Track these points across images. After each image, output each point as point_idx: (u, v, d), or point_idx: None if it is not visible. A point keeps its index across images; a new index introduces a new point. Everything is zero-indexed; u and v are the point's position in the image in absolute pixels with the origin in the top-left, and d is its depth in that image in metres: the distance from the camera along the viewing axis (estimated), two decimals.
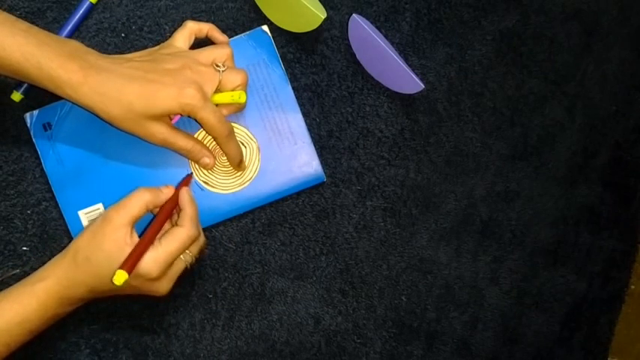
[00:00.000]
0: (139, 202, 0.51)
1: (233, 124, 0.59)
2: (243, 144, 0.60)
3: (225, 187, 0.60)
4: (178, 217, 0.54)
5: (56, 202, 0.58)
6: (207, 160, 0.57)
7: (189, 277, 0.62)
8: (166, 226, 0.54)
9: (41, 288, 0.49)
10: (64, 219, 0.58)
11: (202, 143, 0.57)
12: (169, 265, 0.50)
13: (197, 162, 0.57)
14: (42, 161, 0.58)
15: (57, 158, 0.58)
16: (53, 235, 0.59)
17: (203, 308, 0.62)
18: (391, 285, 0.66)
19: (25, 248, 0.59)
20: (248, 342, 0.63)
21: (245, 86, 0.56)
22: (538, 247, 0.70)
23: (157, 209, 0.54)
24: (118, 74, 0.49)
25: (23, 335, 0.49)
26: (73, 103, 0.49)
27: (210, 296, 0.62)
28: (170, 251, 0.50)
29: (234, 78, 0.54)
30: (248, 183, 0.60)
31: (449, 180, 0.67)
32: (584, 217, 0.71)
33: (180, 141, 0.54)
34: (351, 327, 0.65)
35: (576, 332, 0.73)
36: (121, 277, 0.46)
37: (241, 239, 0.62)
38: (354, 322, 0.65)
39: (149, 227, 0.51)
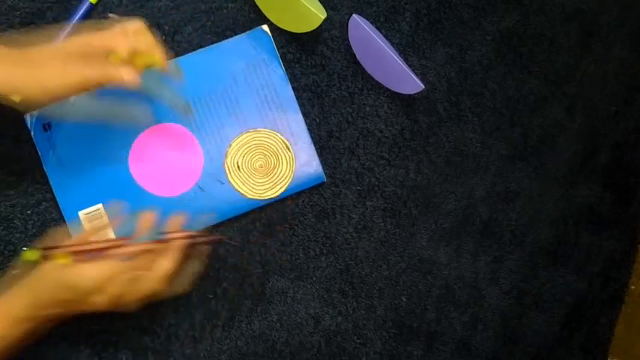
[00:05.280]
0: None
1: (273, 132, 0.60)
2: (278, 153, 0.60)
3: (260, 192, 0.60)
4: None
5: (56, 202, 0.58)
6: (124, 74, 0.51)
7: (189, 278, 0.62)
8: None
9: (7, 305, 0.50)
10: (64, 219, 0.58)
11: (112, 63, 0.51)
12: (106, 280, 0.49)
13: (120, 81, 0.51)
14: (42, 162, 0.58)
15: (57, 159, 0.58)
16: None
17: (203, 308, 0.62)
18: (391, 285, 0.66)
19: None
20: (248, 342, 0.63)
21: (144, 27, 0.52)
22: (538, 247, 0.70)
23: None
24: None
25: None
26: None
27: (211, 296, 0.62)
28: (110, 267, 0.50)
29: (133, 25, 0.51)
30: (284, 189, 0.61)
31: (449, 180, 0.67)
32: (584, 217, 0.71)
33: (94, 69, 0.49)
34: (351, 327, 0.65)
35: (576, 332, 0.73)
36: (29, 255, 0.48)
37: (241, 239, 0.62)
38: (354, 322, 0.65)
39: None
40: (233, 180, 0.60)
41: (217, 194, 0.60)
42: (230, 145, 0.60)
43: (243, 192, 0.60)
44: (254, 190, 0.60)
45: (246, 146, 0.60)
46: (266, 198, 0.60)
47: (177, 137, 0.59)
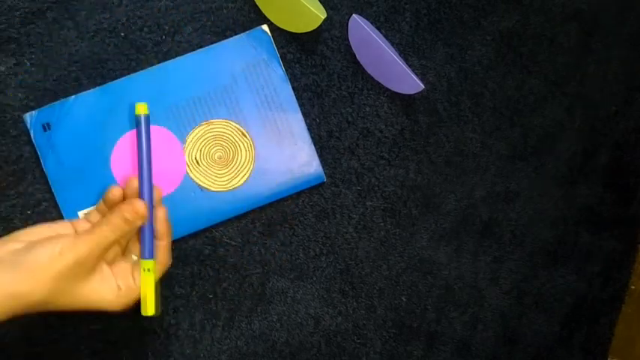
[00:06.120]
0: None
1: (226, 121, 0.60)
2: (235, 141, 0.60)
3: (223, 184, 0.60)
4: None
5: (56, 202, 0.58)
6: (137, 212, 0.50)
7: (190, 277, 0.62)
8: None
9: None
10: (63, 219, 0.58)
11: (111, 212, 0.50)
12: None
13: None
14: (42, 162, 0.58)
15: (56, 158, 0.58)
16: None
17: (203, 308, 0.62)
18: (391, 285, 0.66)
19: None
20: (248, 342, 0.63)
21: None
22: (538, 247, 0.70)
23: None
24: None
25: None
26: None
27: (211, 296, 0.62)
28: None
29: None
30: (247, 177, 0.60)
31: (449, 180, 0.67)
32: (584, 217, 0.71)
33: (109, 234, 0.48)
34: (351, 327, 0.65)
35: (576, 332, 0.73)
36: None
37: (241, 239, 0.62)
38: (354, 322, 0.65)
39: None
40: (194, 175, 0.59)
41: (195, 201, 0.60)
42: (185, 141, 0.60)
43: (205, 185, 0.60)
44: (216, 183, 0.60)
45: (202, 139, 0.60)
46: (231, 188, 0.60)
47: (163, 140, 0.59)
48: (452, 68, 0.66)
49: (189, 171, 0.59)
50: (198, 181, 0.59)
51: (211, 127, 0.60)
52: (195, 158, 0.59)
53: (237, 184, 0.60)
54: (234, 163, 0.60)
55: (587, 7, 0.69)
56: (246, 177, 0.60)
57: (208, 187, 0.59)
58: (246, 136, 0.60)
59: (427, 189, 0.66)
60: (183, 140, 0.59)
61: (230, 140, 0.60)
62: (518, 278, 0.70)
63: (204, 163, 0.59)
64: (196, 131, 0.59)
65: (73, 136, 0.58)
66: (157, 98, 0.59)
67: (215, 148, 0.60)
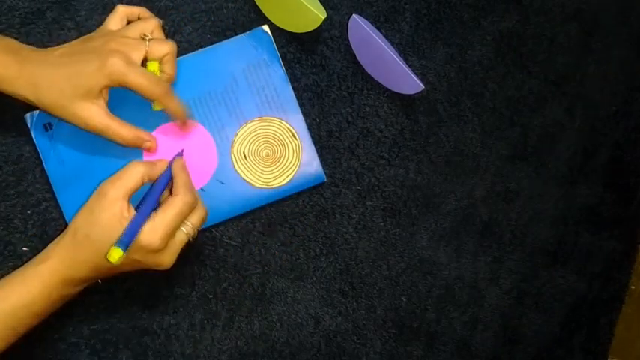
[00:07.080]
0: (134, 175, 0.50)
1: (277, 119, 0.61)
2: (283, 141, 0.61)
3: (267, 181, 0.61)
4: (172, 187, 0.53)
5: (56, 202, 0.58)
6: (148, 144, 0.55)
7: (190, 277, 0.62)
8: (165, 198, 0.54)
9: (44, 269, 0.49)
10: (64, 219, 0.58)
11: (139, 129, 0.55)
12: (170, 235, 0.50)
13: (140, 147, 0.55)
14: (43, 161, 0.58)
15: (57, 158, 0.58)
16: (53, 236, 0.59)
17: (203, 308, 0.62)
18: (391, 285, 0.66)
19: (25, 248, 0.59)
20: (248, 342, 0.63)
21: (173, 55, 0.55)
22: (538, 247, 0.70)
23: (152, 183, 0.53)
24: (49, 63, 0.50)
25: (30, 318, 0.49)
26: (10, 95, 0.50)
27: (211, 296, 0.62)
28: (168, 220, 0.49)
29: (162, 47, 0.53)
30: (291, 177, 0.61)
31: (449, 180, 0.67)
32: (584, 217, 0.71)
33: (119, 127, 0.53)
34: (351, 327, 0.65)
35: (576, 332, 0.73)
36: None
37: (241, 239, 0.62)
38: (354, 322, 0.65)
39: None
40: (240, 169, 0.60)
41: (220, 192, 0.60)
42: (236, 134, 0.60)
43: (249, 181, 0.60)
44: (261, 179, 0.60)
45: (252, 135, 0.60)
46: (274, 187, 0.60)
47: (193, 135, 0.59)
48: (452, 68, 0.66)
49: (235, 164, 0.60)
50: (243, 175, 0.60)
51: (263, 124, 0.60)
52: (244, 153, 0.60)
53: (281, 184, 0.60)
54: (280, 161, 0.61)
55: (587, 7, 0.69)
56: (290, 177, 0.61)
57: (252, 182, 0.60)
58: (295, 138, 0.61)
59: (427, 189, 0.66)
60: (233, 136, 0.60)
61: (278, 139, 0.61)
62: (518, 278, 0.70)
63: (252, 159, 0.60)
64: (248, 126, 0.60)
65: (75, 135, 0.58)
66: None
67: (264, 145, 0.60)
